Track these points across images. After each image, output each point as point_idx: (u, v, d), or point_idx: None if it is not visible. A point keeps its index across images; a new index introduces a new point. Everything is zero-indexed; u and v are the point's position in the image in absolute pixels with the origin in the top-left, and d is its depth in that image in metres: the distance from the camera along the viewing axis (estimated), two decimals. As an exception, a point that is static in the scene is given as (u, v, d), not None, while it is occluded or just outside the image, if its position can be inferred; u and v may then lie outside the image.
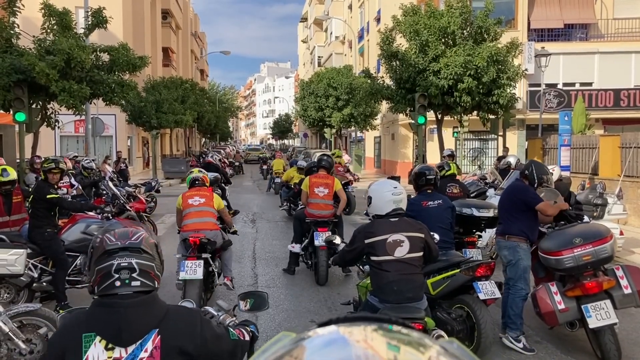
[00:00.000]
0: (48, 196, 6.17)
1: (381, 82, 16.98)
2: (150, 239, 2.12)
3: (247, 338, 2.39)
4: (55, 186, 6.63)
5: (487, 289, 4.96)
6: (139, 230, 2.11)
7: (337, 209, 7.96)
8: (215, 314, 2.62)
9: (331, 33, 50.58)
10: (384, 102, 18.51)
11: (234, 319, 2.62)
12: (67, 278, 6.28)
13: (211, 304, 5.88)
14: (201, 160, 30.95)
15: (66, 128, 25.81)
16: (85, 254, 6.54)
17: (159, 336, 2.00)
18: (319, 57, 55.98)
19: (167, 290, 6.33)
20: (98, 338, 1.97)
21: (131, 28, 30.88)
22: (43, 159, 8.77)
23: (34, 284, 6.11)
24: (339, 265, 4.35)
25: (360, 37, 38.46)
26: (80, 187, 9.63)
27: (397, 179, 17.02)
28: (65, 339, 2.02)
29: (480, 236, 9.01)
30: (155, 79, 31.41)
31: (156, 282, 2.09)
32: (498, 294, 5.11)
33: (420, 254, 3.87)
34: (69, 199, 8.36)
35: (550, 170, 9.26)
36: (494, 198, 9.16)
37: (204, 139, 60.12)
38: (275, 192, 18.92)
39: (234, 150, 45.78)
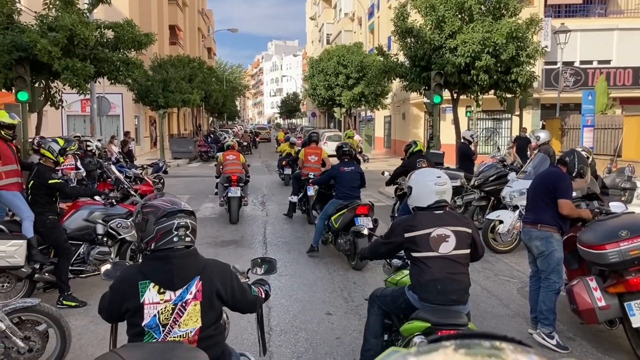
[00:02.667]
0: (50, 181, 5.81)
1: (395, 60, 16.38)
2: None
3: (264, 296, 2.95)
4: (57, 169, 6.30)
5: (363, 222, 7.18)
6: (178, 199, 2.62)
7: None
8: (239, 271, 3.13)
9: (340, 10, 49.63)
10: (396, 80, 17.93)
11: (247, 280, 3.12)
12: (70, 268, 5.95)
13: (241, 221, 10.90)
14: (209, 139, 30.61)
15: (73, 107, 25.46)
16: (89, 243, 6.26)
17: (201, 281, 2.49)
18: (327, 34, 55.06)
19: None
20: (152, 284, 2.44)
21: (137, 5, 30.28)
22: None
23: (36, 275, 5.78)
24: (368, 259, 3.91)
25: (371, 14, 37.60)
26: (83, 171, 9.23)
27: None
28: (124, 287, 2.49)
29: (501, 221, 8.67)
30: (162, 57, 30.87)
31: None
32: (371, 225, 7.16)
33: (468, 251, 3.46)
34: (73, 184, 8.00)
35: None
36: (516, 182, 8.71)
37: (211, 119, 59.59)
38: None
39: (241, 130, 45.25)
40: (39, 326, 4.34)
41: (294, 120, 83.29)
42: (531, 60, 14.85)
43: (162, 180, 14.55)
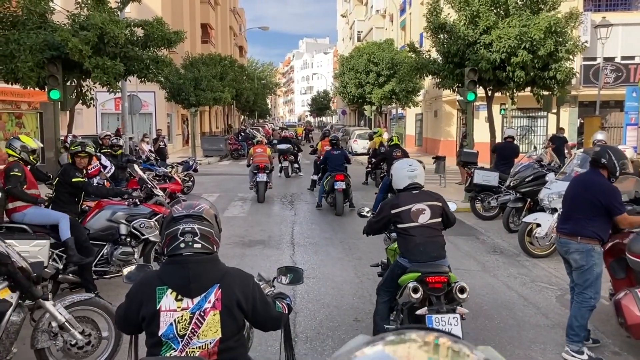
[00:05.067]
0: (73, 180, 5.76)
1: (427, 57, 15.95)
2: (211, 210, 2.52)
3: (287, 311, 2.78)
4: (84, 171, 6.25)
5: (339, 184, 11.22)
6: (201, 203, 2.53)
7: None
8: (265, 279, 3.08)
9: (371, 7, 49.19)
10: (429, 77, 17.50)
11: (273, 289, 3.04)
12: (93, 268, 5.87)
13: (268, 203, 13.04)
14: (239, 137, 30.68)
15: (107, 105, 25.85)
16: (112, 243, 6.18)
17: (220, 290, 2.36)
18: (358, 31, 54.72)
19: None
20: (169, 290, 2.35)
21: (170, 4, 30.55)
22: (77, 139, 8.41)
23: (60, 275, 5.72)
24: (368, 234, 4.85)
25: (402, 11, 37.07)
26: (109, 170, 9.21)
27: (442, 159, 16.22)
28: (142, 292, 2.40)
29: (538, 225, 8.27)
30: (194, 55, 31.07)
31: (215, 247, 2.47)
32: (344, 186, 11.29)
33: (440, 219, 4.39)
34: (98, 184, 7.96)
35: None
36: (555, 184, 8.31)
37: (243, 117, 59.90)
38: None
39: (271, 128, 45.32)
40: (93, 320, 4.28)
41: (324, 118, 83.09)
42: (570, 56, 14.24)
43: (192, 179, 14.53)
